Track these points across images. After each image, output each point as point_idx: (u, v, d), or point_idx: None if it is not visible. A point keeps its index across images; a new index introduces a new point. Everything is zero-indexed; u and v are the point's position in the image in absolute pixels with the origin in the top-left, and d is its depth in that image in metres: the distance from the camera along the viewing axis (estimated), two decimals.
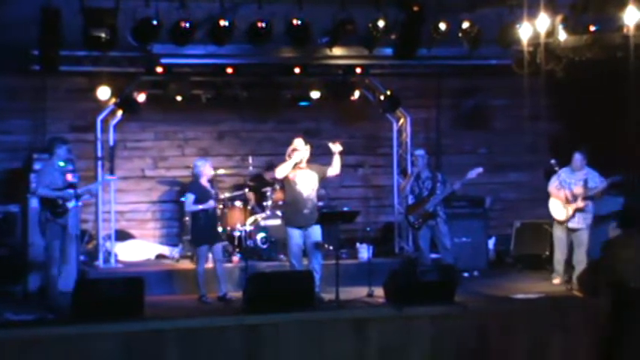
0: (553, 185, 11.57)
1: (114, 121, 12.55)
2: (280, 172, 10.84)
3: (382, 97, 13.26)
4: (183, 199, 11.32)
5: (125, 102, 12.30)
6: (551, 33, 10.60)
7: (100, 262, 12.24)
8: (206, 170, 11.17)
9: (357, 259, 12.43)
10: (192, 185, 11.22)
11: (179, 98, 12.55)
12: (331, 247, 11.50)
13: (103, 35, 10.04)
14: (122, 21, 10.08)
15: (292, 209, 10.87)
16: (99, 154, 12.42)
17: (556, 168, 11.51)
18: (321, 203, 11.86)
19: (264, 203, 12.70)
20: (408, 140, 13.49)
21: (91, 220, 12.70)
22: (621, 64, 10.91)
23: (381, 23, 10.78)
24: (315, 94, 13.07)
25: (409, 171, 12.74)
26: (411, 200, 11.81)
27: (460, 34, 11.08)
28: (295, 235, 10.76)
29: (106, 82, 12.16)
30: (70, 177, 10.49)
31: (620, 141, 13.09)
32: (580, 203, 11.31)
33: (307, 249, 10.81)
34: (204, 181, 11.14)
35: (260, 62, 12.34)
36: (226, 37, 10.54)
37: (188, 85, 12.47)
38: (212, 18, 10.40)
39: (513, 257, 13.36)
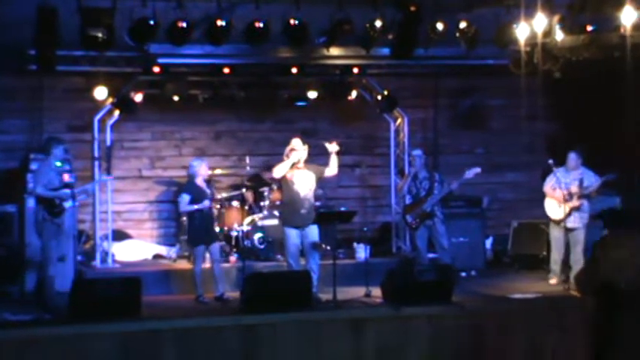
0: (548, 185, 11.58)
1: (111, 121, 12.55)
2: (278, 171, 10.84)
3: (379, 97, 13.27)
4: (179, 199, 11.32)
5: (122, 102, 12.30)
6: (548, 33, 10.62)
7: (97, 262, 12.24)
8: (202, 170, 11.16)
9: (354, 259, 12.44)
10: (188, 185, 11.21)
11: (176, 98, 12.55)
12: (328, 247, 11.50)
13: (100, 35, 10.03)
14: (119, 21, 10.07)
15: (290, 209, 10.87)
16: (96, 154, 12.42)
17: (554, 168, 11.51)
18: (318, 203, 11.87)
19: (262, 203, 12.70)
20: (406, 140, 13.50)
21: (88, 220, 12.69)
22: (618, 64, 10.93)
23: (378, 23, 10.78)
24: (312, 94, 13.07)
25: (406, 171, 12.77)
26: (408, 200, 11.81)
27: (457, 34, 11.09)
28: (293, 235, 10.75)
29: (103, 81, 12.16)
30: (67, 177, 10.48)
31: (617, 141, 13.10)
32: (575, 202, 11.32)
33: (305, 249, 10.80)
34: (200, 181, 11.13)
35: (257, 62, 12.34)
36: (223, 37, 10.54)
37: (185, 85, 12.47)
38: (209, 18, 10.39)
39: (511, 257, 13.36)
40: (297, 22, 10.47)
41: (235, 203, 12.67)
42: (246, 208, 12.77)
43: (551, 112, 14.57)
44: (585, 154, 11.62)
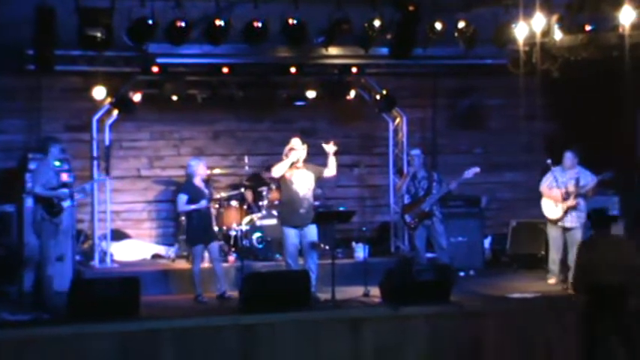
0: (545, 184, 11.59)
1: (109, 121, 12.54)
2: (277, 171, 10.84)
3: (378, 97, 13.27)
4: (176, 199, 11.31)
5: (121, 102, 12.29)
6: (546, 32, 10.61)
7: (95, 262, 12.23)
8: (200, 170, 11.16)
9: (353, 258, 12.44)
10: (186, 185, 11.22)
11: (175, 98, 12.54)
12: (327, 247, 11.50)
13: (99, 35, 10.01)
14: (117, 20, 10.06)
15: (288, 209, 10.86)
16: (94, 153, 12.41)
17: (552, 168, 11.52)
18: (317, 203, 11.87)
19: (260, 203, 12.69)
20: (404, 140, 13.51)
21: (86, 220, 12.67)
22: (617, 64, 10.92)
23: (376, 23, 10.77)
24: (310, 94, 13.07)
25: (405, 171, 12.77)
26: (407, 200, 11.81)
27: (456, 34, 11.08)
28: (291, 234, 10.75)
29: (102, 81, 12.16)
30: (65, 177, 10.47)
31: (615, 140, 13.11)
32: (571, 201, 11.32)
33: (303, 249, 10.80)
34: (197, 181, 11.12)
35: (256, 62, 12.33)
36: (222, 37, 10.53)
37: (184, 84, 12.46)
38: (208, 17, 10.38)
39: (509, 257, 13.36)
40: (295, 21, 10.45)
41: (234, 203, 12.66)
42: (245, 207, 12.77)
43: (549, 112, 14.57)
44: (583, 153, 11.62)
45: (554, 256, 11.61)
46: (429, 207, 11.57)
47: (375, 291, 10.59)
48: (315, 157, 11.14)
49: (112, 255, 12.41)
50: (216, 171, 12.86)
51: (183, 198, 10.99)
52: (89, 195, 12.03)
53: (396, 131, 13.65)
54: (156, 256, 12.94)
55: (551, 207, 11.50)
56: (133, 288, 9.67)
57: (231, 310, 10.12)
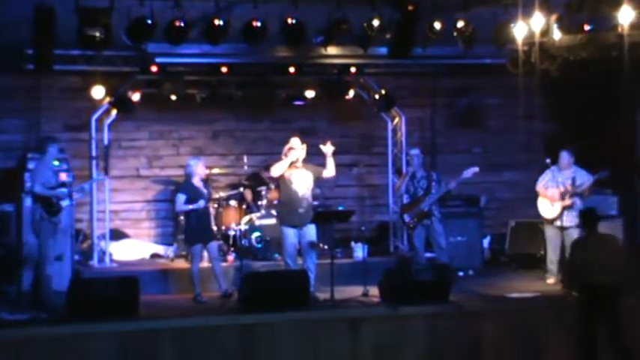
0: (541, 184, 11.60)
1: (108, 121, 12.53)
2: (276, 170, 10.84)
3: (377, 97, 13.26)
4: (175, 198, 11.32)
5: (119, 101, 12.28)
6: (545, 32, 10.60)
7: (94, 262, 12.22)
8: (198, 169, 11.16)
9: (352, 258, 12.44)
10: (184, 185, 11.22)
11: (174, 97, 12.53)
12: (326, 247, 11.49)
13: (98, 34, 10.02)
14: (117, 20, 10.06)
15: (287, 208, 10.87)
16: (93, 153, 12.40)
17: (549, 167, 11.52)
18: (316, 202, 11.86)
19: (260, 202, 12.69)
20: (403, 139, 13.50)
21: (85, 220, 12.68)
22: (616, 64, 10.91)
23: (375, 22, 10.78)
24: (309, 94, 13.06)
25: (404, 170, 12.76)
26: (406, 199, 11.80)
27: (455, 34, 11.08)
28: (290, 234, 10.75)
29: (101, 81, 12.15)
30: (64, 176, 10.47)
31: (614, 140, 13.10)
32: (567, 201, 11.33)
33: (302, 248, 10.81)
34: (196, 181, 11.12)
35: (255, 61, 12.32)
36: (221, 37, 10.53)
37: (183, 84, 12.45)
38: (207, 17, 10.39)
39: (508, 256, 13.36)
40: (294, 21, 10.46)
41: (233, 202, 12.66)
42: (244, 207, 12.76)
43: (548, 112, 14.56)
44: (582, 153, 11.63)
45: (552, 256, 11.62)
46: (428, 207, 11.57)
47: (374, 291, 10.59)
48: (315, 157, 11.14)
49: (110, 254, 12.40)
50: (215, 170, 12.85)
51: (181, 198, 10.99)
52: (88, 194, 12.03)
53: (395, 131, 13.65)
54: (155, 256, 12.93)
55: (547, 206, 11.52)
56: (132, 287, 9.68)
57: (230, 310, 10.12)
